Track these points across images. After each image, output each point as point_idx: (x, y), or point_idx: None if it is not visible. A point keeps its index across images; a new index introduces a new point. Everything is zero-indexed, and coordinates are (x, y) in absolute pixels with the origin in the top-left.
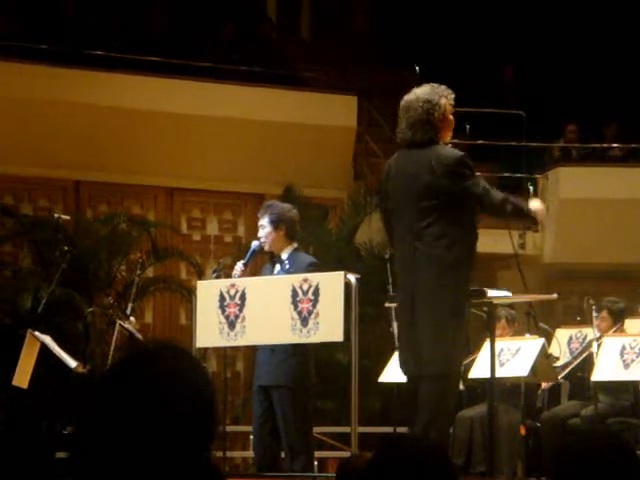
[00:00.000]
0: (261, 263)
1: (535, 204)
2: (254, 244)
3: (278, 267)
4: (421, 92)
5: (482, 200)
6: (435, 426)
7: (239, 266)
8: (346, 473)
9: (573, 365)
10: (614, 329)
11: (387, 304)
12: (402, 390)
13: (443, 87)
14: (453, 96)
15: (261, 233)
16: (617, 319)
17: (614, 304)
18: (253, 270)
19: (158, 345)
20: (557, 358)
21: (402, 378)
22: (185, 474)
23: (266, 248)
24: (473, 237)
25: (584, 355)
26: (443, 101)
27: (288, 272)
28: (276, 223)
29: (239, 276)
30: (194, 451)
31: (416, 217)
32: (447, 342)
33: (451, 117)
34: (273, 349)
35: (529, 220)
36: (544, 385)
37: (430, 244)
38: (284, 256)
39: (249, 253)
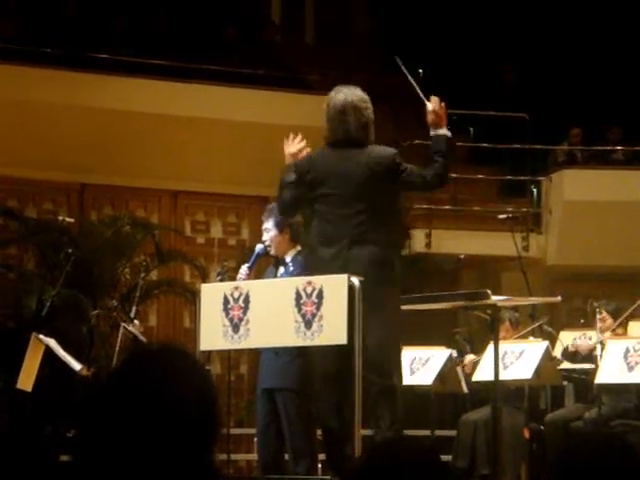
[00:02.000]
0: (264, 266)
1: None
2: (258, 247)
3: (282, 270)
4: (357, 92)
5: (422, 186)
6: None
7: (243, 270)
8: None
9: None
10: (614, 326)
11: None
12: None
13: None
14: None
15: (266, 236)
16: (616, 316)
17: (608, 304)
18: (257, 273)
19: (161, 347)
20: (561, 361)
21: (406, 380)
22: (187, 476)
23: (272, 252)
24: (402, 238)
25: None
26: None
27: (292, 275)
28: (281, 226)
29: (244, 280)
30: (196, 453)
31: (350, 218)
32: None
33: None
34: (277, 352)
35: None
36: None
37: (364, 245)
38: (288, 259)
39: (253, 257)
